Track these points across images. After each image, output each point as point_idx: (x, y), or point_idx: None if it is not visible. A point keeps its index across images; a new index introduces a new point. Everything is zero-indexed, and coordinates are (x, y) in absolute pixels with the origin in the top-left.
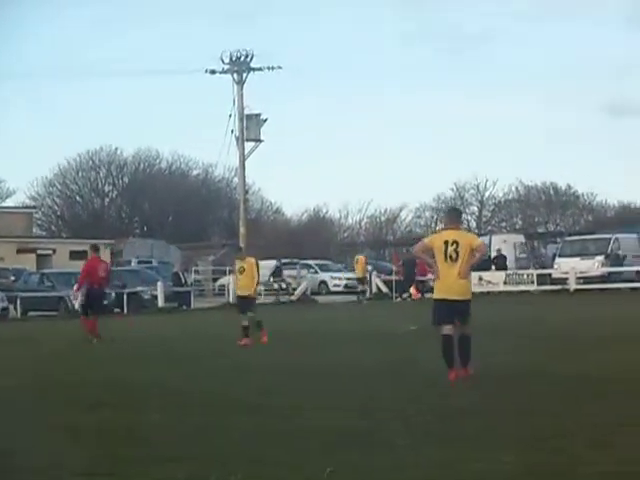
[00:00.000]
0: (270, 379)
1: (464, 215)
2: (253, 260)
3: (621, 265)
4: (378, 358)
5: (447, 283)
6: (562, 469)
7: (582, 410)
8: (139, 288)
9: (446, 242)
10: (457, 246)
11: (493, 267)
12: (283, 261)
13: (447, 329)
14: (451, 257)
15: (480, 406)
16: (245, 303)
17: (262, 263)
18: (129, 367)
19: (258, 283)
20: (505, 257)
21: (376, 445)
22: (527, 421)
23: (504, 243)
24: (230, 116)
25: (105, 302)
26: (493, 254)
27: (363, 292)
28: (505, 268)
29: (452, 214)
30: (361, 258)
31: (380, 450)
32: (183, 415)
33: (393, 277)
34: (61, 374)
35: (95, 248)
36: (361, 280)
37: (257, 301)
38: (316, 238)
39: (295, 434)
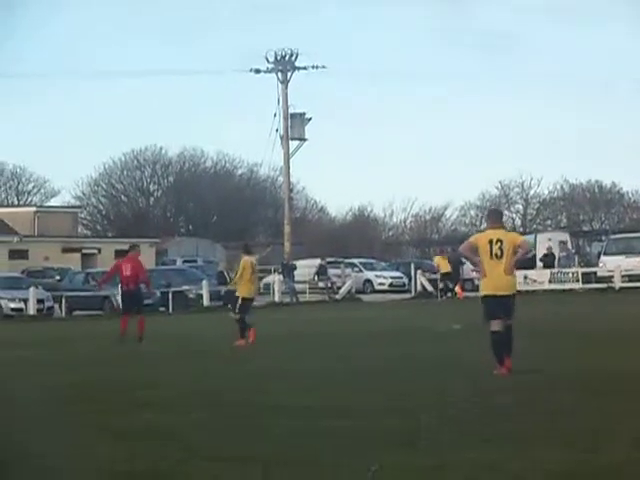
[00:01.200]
0: (314, 379)
1: (509, 213)
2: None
3: None
4: (421, 356)
5: (494, 280)
6: (605, 469)
7: (630, 409)
8: (184, 287)
9: (491, 241)
10: (501, 244)
11: (541, 265)
12: (328, 260)
13: (497, 324)
14: (496, 255)
15: (526, 405)
16: (250, 305)
17: (307, 262)
18: (168, 366)
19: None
20: (554, 255)
21: (419, 444)
22: (571, 420)
23: (549, 241)
24: (275, 115)
25: (146, 301)
26: (541, 252)
27: (447, 289)
28: (552, 266)
29: (494, 214)
30: (439, 258)
31: (423, 450)
32: (224, 416)
33: (438, 276)
34: (104, 374)
35: (131, 247)
36: (446, 275)
37: (302, 299)
38: (360, 237)
39: (337, 434)
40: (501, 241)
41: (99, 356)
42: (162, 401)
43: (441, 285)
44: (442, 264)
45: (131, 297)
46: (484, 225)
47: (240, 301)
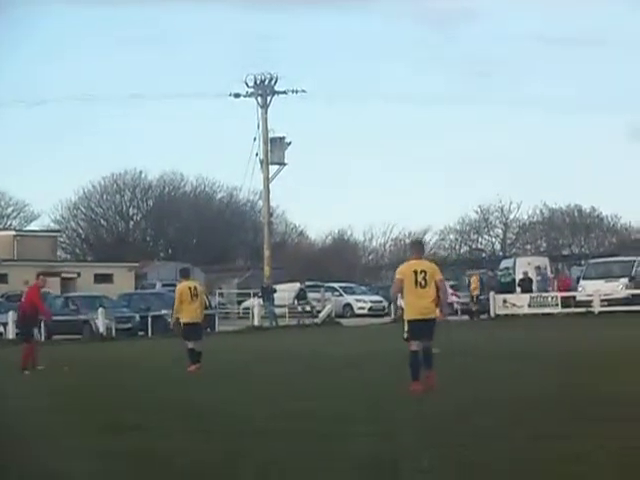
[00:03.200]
0: (299, 403)
1: (488, 237)
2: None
3: None
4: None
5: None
6: None
7: (605, 433)
8: (163, 311)
9: (415, 271)
10: (425, 274)
11: (519, 289)
12: (307, 284)
13: (416, 345)
14: (421, 284)
15: (500, 430)
16: (197, 330)
17: (286, 286)
18: (148, 392)
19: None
20: (531, 280)
21: (400, 471)
22: (544, 446)
23: (528, 265)
24: (255, 139)
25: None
26: (519, 276)
27: (477, 312)
28: (530, 290)
29: (417, 246)
30: (475, 277)
31: (403, 477)
32: (204, 440)
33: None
34: (87, 397)
35: (37, 275)
36: (474, 299)
37: (282, 323)
38: (340, 261)
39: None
40: (425, 272)
41: (80, 381)
42: (144, 425)
43: (476, 307)
44: (475, 285)
45: (24, 324)
46: (464, 249)
47: (182, 326)
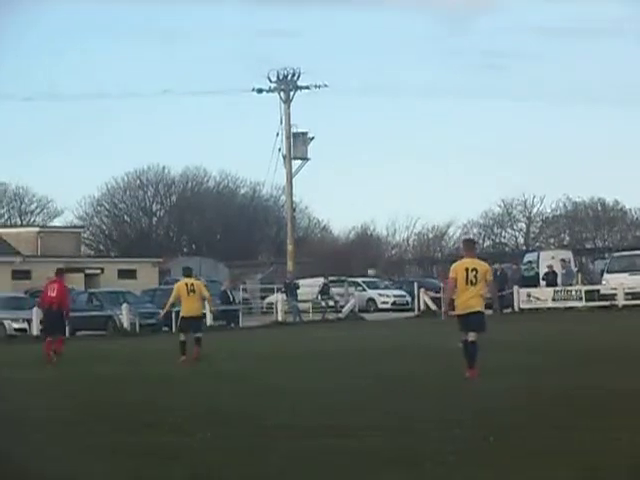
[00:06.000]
0: (318, 398)
1: (512, 231)
2: (201, 282)
3: None
4: (423, 373)
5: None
6: None
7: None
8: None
9: (467, 269)
10: (476, 272)
11: (543, 283)
12: (330, 279)
13: (466, 335)
14: (472, 282)
15: (526, 422)
16: (196, 323)
17: (310, 281)
18: (170, 388)
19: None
20: (556, 273)
21: (422, 463)
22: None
23: (552, 259)
24: (277, 134)
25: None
26: (544, 270)
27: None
28: (555, 284)
29: (468, 244)
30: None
31: (425, 469)
32: (228, 436)
33: (441, 294)
34: (103, 395)
35: (58, 270)
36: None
37: (305, 318)
38: (363, 255)
39: (340, 452)
40: (476, 270)
41: (105, 376)
42: (172, 421)
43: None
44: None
45: (51, 319)
46: (487, 243)
47: (180, 319)
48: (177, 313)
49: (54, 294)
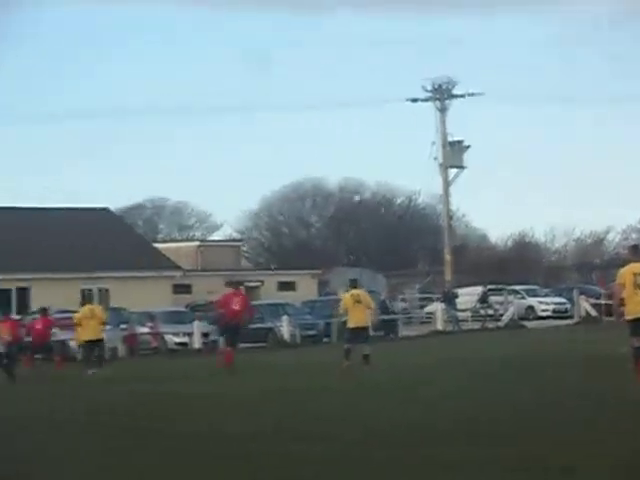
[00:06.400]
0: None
1: None
2: (366, 293)
3: None
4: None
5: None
6: None
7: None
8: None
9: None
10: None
11: None
12: (490, 287)
13: (636, 340)
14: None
15: None
16: (364, 333)
17: (469, 290)
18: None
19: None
20: None
21: None
22: None
23: None
24: (433, 143)
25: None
26: None
27: None
28: None
29: (635, 250)
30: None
31: None
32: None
33: (602, 300)
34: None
35: (231, 283)
36: None
37: (465, 327)
38: (521, 263)
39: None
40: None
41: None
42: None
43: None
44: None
45: (229, 330)
46: None
47: (347, 332)
48: (344, 323)
49: (238, 307)
